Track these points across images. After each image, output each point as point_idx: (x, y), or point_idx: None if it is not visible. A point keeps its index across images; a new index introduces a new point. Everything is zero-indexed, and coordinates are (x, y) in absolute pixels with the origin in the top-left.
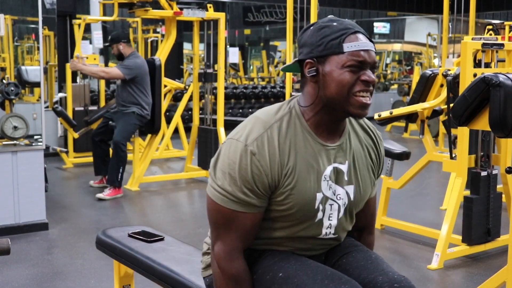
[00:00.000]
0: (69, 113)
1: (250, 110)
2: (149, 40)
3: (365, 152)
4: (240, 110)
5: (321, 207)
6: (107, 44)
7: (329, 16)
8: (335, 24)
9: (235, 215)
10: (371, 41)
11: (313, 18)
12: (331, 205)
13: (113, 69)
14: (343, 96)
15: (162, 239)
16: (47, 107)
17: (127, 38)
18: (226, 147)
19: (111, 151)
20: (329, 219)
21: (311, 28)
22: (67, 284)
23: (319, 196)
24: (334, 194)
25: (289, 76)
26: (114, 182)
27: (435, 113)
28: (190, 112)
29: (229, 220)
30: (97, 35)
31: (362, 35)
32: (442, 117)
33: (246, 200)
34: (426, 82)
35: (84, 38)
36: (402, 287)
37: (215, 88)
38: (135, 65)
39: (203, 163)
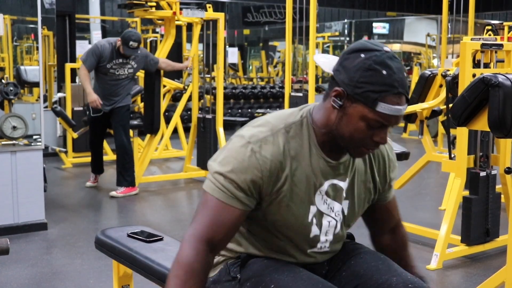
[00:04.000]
0: (68, 113)
1: (249, 110)
2: (148, 40)
3: (367, 166)
4: (239, 110)
5: (315, 221)
6: (136, 47)
7: (385, 50)
8: (384, 72)
9: (218, 204)
10: (408, 101)
11: (312, 18)
12: (329, 221)
13: (166, 60)
14: (351, 142)
15: (161, 239)
16: (46, 107)
17: None
18: (230, 142)
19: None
20: (325, 235)
21: (362, 57)
22: (66, 284)
23: (312, 208)
24: (332, 211)
25: (288, 76)
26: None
27: (434, 113)
28: (189, 112)
29: (210, 208)
30: (97, 35)
31: (403, 97)
32: (441, 118)
33: (233, 192)
34: (425, 83)
35: (83, 38)
36: (417, 287)
37: (214, 88)
38: None
39: (202, 163)
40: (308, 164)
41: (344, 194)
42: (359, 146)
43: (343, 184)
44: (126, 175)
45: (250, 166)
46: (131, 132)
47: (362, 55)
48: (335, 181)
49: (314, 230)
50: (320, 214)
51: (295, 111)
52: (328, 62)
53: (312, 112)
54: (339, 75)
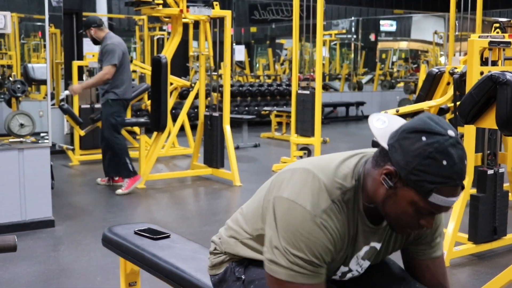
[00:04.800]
0: (75, 111)
1: (256, 108)
2: (155, 38)
3: None
4: (246, 108)
5: (339, 275)
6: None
7: (450, 134)
8: (445, 163)
9: None
10: (463, 188)
11: (319, 16)
12: (353, 274)
13: (105, 69)
14: (395, 221)
15: (168, 237)
16: (53, 104)
17: (97, 22)
18: (287, 212)
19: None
20: (342, 280)
21: (423, 141)
22: (73, 281)
23: (343, 268)
24: (360, 267)
25: (295, 74)
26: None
27: (442, 111)
28: (196, 110)
29: None
30: None
31: (459, 188)
32: (448, 115)
33: (315, 270)
34: (433, 80)
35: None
36: None
37: (221, 86)
38: (114, 47)
39: (209, 160)
40: (354, 231)
41: (376, 253)
42: (403, 226)
43: (378, 245)
44: (120, 169)
45: (324, 241)
46: (138, 129)
47: (424, 139)
48: (372, 244)
49: (334, 277)
50: (348, 271)
51: (349, 173)
52: (384, 130)
53: (364, 174)
54: (394, 153)
